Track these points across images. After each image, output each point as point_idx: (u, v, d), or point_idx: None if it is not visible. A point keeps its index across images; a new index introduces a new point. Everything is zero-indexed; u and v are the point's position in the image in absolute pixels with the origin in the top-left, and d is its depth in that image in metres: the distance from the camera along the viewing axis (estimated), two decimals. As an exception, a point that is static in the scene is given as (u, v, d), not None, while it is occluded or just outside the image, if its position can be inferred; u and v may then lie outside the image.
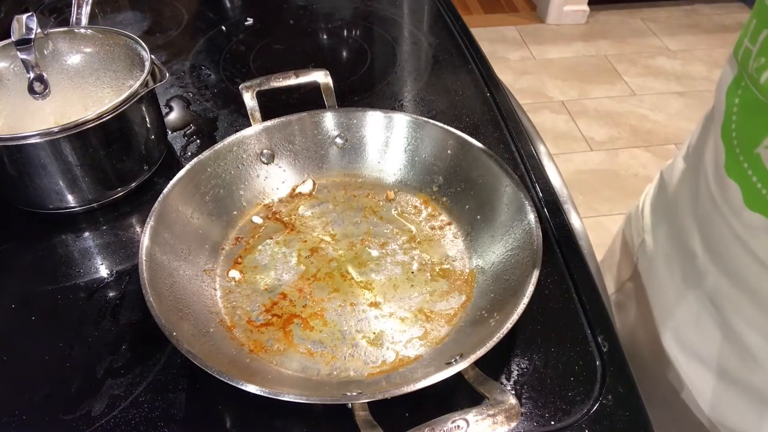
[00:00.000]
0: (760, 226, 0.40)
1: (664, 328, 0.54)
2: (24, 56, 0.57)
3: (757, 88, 0.37)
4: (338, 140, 0.61)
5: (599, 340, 0.47)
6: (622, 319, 0.62)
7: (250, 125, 0.59)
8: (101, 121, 0.54)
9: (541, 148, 0.69)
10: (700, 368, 0.50)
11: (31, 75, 0.58)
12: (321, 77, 0.63)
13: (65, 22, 0.90)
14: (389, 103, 0.75)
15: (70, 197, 0.58)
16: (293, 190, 0.61)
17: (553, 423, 0.42)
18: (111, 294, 0.52)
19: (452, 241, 0.55)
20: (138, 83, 0.57)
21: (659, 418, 0.45)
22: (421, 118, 0.59)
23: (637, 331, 0.58)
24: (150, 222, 0.49)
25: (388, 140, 0.61)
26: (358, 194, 0.60)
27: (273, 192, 0.60)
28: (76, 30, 0.64)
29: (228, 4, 0.99)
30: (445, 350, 0.46)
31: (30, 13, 0.57)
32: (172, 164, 0.65)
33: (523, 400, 0.44)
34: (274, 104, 0.63)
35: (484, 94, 0.75)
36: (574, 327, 0.49)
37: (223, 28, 0.91)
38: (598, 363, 0.46)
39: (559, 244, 0.55)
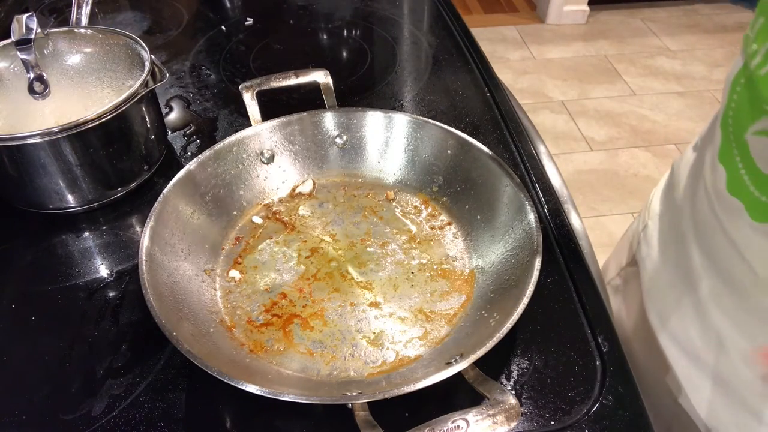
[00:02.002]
0: (736, 211, 0.41)
1: (652, 310, 0.55)
2: (24, 56, 0.57)
3: (751, 73, 0.39)
4: (338, 140, 0.61)
5: (599, 340, 0.47)
6: (617, 302, 0.63)
7: (250, 125, 0.59)
8: (101, 121, 0.54)
9: (541, 148, 0.69)
10: (677, 350, 0.51)
11: (31, 75, 0.58)
12: (321, 77, 0.63)
13: (65, 22, 0.90)
14: (389, 103, 0.75)
15: (70, 197, 0.58)
16: (293, 190, 0.61)
17: (553, 423, 0.42)
18: (111, 294, 0.52)
19: (452, 241, 0.55)
20: (138, 83, 0.57)
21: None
22: (421, 118, 0.59)
23: (629, 314, 0.60)
24: (150, 222, 0.49)
25: (388, 140, 0.61)
26: (358, 194, 0.60)
27: (273, 192, 0.60)
28: (76, 30, 0.64)
29: (228, 4, 0.99)
30: (445, 350, 0.46)
31: (30, 13, 0.57)
32: (172, 164, 0.65)
33: (523, 400, 0.44)
34: (274, 104, 0.63)
35: (484, 94, 0.75)
36: (574, 327, 0.49)
37: (223, 28, 0.91)
38: (598, 363, 0.46)
39: (559, 244, 0.55)
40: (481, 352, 0.39)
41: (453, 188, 0.58)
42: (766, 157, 0.38)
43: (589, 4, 2.62)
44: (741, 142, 0.40)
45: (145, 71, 0.58)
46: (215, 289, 0.51)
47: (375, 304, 0.50)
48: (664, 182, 0.60)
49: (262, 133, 0.59)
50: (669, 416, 0.54)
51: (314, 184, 0.61)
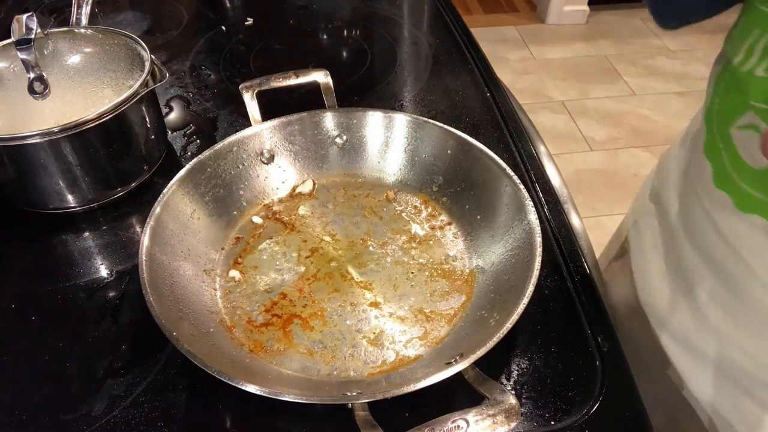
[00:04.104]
0: (725, 205, 0.42)
1: (645, 303, 0.56)
2: (24, 56, 0.57)
3: (734, 70, 0.40)
4: (338, 140, 0.61)
5: (599, 340, 0.47)
6: (607, 296, 0.64)
7: (250, 125, 0.59)
8: (101, 121, 0.54)
9: (541, 148, 0.69)
10: (675, 345, 0.52)
11: (31, 75, 0.58)
12: (321, 77, 0.63)
13: (65, 22, 0.90)
14: (389, 103, 0.75)
15: (70, 197, 0.58)
16: (293, 190, 0.61)
17: (553, 423, 0.42)
18: (111, 294, 0.52)
19: (452, 241, 0.55)
20: (138, 83, 0.57)
21: (640, 381, 0.46)
22: (421, 118, 0.59)
23: (620, 306, 0.61)
24: (150, 222, 0.49)
25: (388, 140, 0.61)
26: (358, 194, 0.60)
27: (273, 192, 0.60)
28: (76, 30, 0.64)
29: (228, 4, 0.99)
30: (445, 350, 0.46)
31: (30, 13, 0.57)
32: (172, 164, 0.65)
33: (523, 400, 0.44)
34: (274, 104, 0.63)
35: (484, 94, 0.75)
36: (574, 327, 0.49)
37: (223, 28, 0.91)
38: (598, 363, 0.46)
39: (559, 244, 0.55)
40: (481, 352, 0.39)
41: (453, 188, 0.58)
42: (751, 150, 0.39)
43: (589, 4, 2.62)
44: (725, 136, 0.41)
45: (145, 71, 0.58)
46: (215, 289, 0.51)
47: (375, 304, 0.50)
48: (652, 177, 0.61)
49: (262, 133, 0.59)
50: (672, 404, 0.54)
51: (314, 184, 0.61)
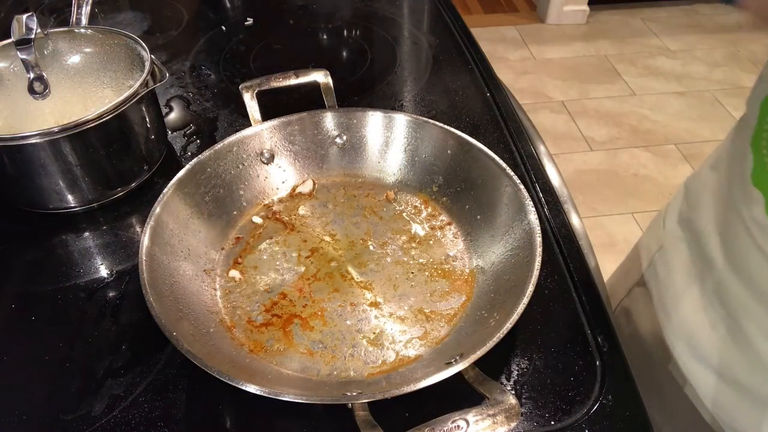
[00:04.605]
0: None
1: (676, 335, 0.53)
2: (24, 56, 0.57)
3: None
4: (338, 140, 0.61)
5: (599, 340, 0.47)
6: (631, 323, 0.61)
7: (250, 125, 0.59)
8: (101, 121, 0.54)
9: (541, 148, 0.69)
10: (709, 373, 0.50)
11: (31, 75, 0.58)
12: (321, 77, 0.63)
13: (65, 22, 0.90)
14: (389, 103, 0.75)
15: (70, 197, 0.58)
16: (293, 190, 0.61)
17: (553, 423, 0.42)
18: (111, 294, 0.52)
19: (452, 241, 0.55)
20: (138, 83, 0.57)
21: (664, 414, 0.44)
22: (421, 118, 0.59)
23: (646, 336, 0.58)
24: (150, 222, 0.49)
25: (388, 140, 0.61)
26: (358, 194, 0.60)
27: (273, 192, 0.60)
28: (76, 30, 0.64)
29: (228, 4, 0.99)
30: (445, 350, 0.46)
31: (30, 13, 0.57)
32: (172, 164, 0.65)
33: (523, 400, 0.44)
34: (274, 104, 0.63)
35: (484, 94, 0.75)
36: (574, 327, 0.49)
37: (223, 28, 0.91)
38: (598, 363, 0.46)
39: (559, 244, 0.55)
40: (481, 352, 0.39)
41: (453, 188, 0.58)
42: None
43: (589, 4, 2.62)
44: None
45: (145, 71, 0.58)
46: (215, 289, 0.51)
47: (375, 304, 0.50)
48: (679, 202, 0.58)
49: (262, 133, 0.59)
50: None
51: (314, 184, 0.61)
